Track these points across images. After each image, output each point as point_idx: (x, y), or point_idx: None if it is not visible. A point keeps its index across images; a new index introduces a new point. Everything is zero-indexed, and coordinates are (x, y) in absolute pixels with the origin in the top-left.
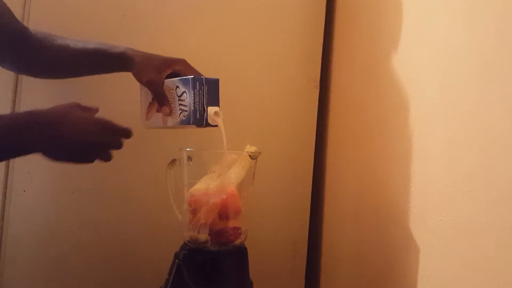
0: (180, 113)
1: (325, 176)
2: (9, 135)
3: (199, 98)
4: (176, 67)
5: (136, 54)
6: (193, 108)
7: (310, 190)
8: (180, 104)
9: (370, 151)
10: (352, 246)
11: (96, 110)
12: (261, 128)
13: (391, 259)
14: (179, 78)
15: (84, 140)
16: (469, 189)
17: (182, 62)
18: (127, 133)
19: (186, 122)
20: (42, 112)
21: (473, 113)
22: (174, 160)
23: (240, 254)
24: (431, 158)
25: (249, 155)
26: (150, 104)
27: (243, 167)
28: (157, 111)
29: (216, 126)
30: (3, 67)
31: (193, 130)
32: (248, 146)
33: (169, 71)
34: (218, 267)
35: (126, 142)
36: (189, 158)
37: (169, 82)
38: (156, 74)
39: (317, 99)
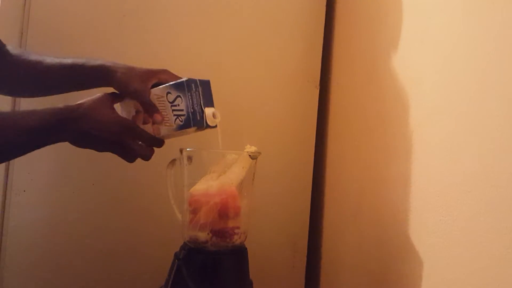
0: (176, 119)
1: (325, 176)
2: (49, 128)
3: (196, 100)
4: (162, 76)
5: (117, 66)
6: (192, 110)
7: (310, 190)
8: (174, 110)
9: (370, 151)
10: (352, 246)
11: (121, 98)
12: (261, 128)
13: (391, 259)
14: (169, 83)
15: (103, 137)
16: (469, 189)
17: (166, 71)
18: (155, 142)
19: (186, 126)
20: (74, 107)
21: (473, 113)
22: (174, 160)
23: (240, 254)
24: (431, 158)
25: (249, 155)
26: (134, 118)
27: (243, 167)
28: (144, 123)
29: (215, 127)
30: None
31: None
32: (248, 146)
33: (154, 81)
34: (218, 267)
35: None
36: (189, 158)
37: (157, 90)
38: (141, 84)
39: (317, 99)
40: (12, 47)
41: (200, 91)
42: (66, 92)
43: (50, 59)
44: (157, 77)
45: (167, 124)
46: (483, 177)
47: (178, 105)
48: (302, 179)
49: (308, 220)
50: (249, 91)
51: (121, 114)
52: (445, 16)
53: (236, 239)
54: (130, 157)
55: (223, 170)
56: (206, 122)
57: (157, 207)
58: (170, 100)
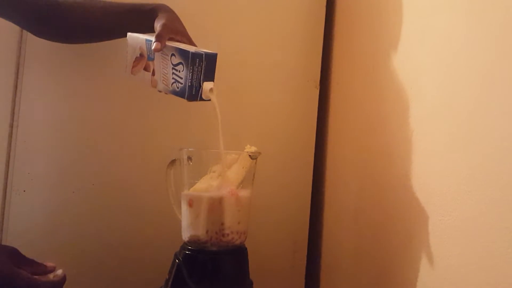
0: (173, 83)
1: (325, 176)
2: None
3: (196, 75)
4: (179, 38)
5: (163, 9)
6: (189, 84)
7: (310, 190)
8: (174, 73)
9: (370, 151)
10: (352, 246)
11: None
12: (261, 128)
13: (391, 259)
14: (177, 47)
15: None
16: (469, 189)
17: (185, 36)
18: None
19: (179, 95)
20: None
21: (473, 113)
22: (174, 160)
23: (240, 254)
24: (431, 158)
25: (249, 155)
26: (137, 59)
27: (243, 167)
28: (144, 70)
29: (209, 100)
30: (42, 37)
31: (192, 129)
32: (248, 146)
33: (172, 38)
34: (218, 267)
35: (126, 141)
36: (189, 158)
37: (167, 46)
38: (168, 26)
39: (317, 99)
40: None
41: (203, 66)
42: (121, 36)
43: (105, 4)
44: (174, 35)
45: (165, 82)
46: (483, 177)
47: (179, 71)
48: (302, 179)
49: (308, 220)
50: (249, 91)
51: (127, 48)
52: (445, 16)
53: (236, 239)
54: None
55: (223, 170)
56: (201, 96)
57: (157, 207)
58: (173, 63)
